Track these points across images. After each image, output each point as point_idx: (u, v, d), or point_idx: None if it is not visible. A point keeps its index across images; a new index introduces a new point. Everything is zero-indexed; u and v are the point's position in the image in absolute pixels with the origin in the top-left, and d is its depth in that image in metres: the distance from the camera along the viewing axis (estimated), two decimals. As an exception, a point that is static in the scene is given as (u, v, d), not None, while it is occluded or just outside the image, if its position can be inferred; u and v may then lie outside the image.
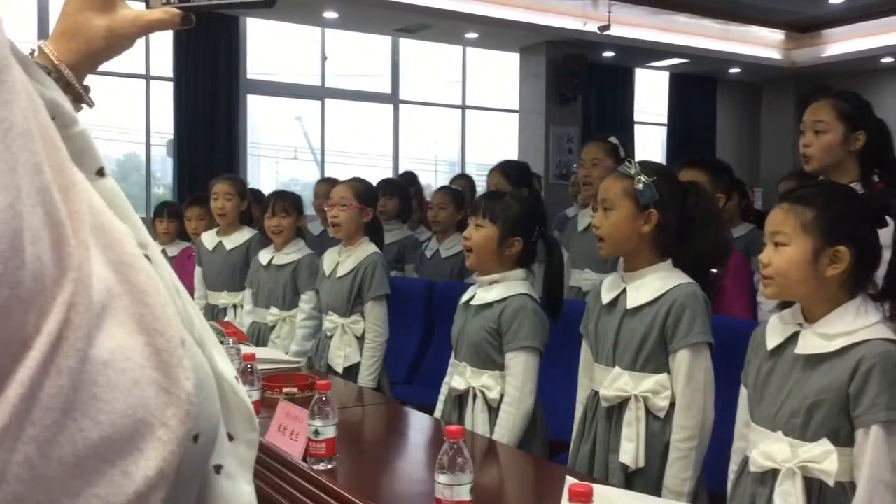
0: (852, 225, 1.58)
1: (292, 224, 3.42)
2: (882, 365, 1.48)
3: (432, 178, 9.35)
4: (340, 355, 3.03)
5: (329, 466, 1.75)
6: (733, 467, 1.78)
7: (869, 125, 2.45)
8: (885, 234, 1.63)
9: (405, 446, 2.25)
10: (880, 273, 1.63)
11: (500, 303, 2.26)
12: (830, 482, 1.52)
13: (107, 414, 0.39)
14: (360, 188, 3.14)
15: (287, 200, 3.41)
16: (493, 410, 2.24)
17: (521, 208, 2.34)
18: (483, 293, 2.32)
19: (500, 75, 9.25)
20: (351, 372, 3.03)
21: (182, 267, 3.95)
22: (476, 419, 2.25)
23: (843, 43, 9.10)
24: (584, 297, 3.00)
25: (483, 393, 2.24)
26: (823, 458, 1.52)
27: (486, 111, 9.36)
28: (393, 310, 3.17)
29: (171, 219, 4.41)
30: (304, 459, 1.78)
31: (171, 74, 7.48)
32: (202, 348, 0.52)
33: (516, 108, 9.00)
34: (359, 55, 8.66)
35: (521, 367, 2.20)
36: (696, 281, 1.97)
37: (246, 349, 2.64)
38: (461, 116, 9.22)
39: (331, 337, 3.08)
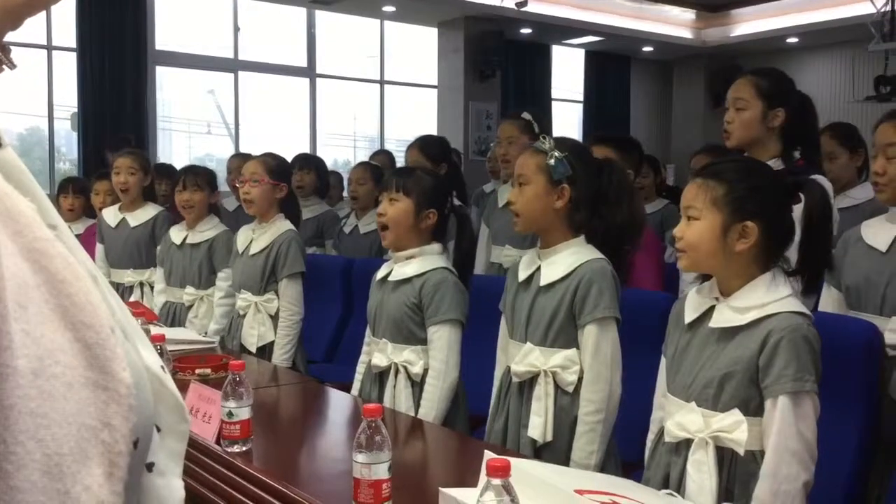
0: (762, 201, 1.61)
1: (204, 200, 3.32)
2: (790, 337, 1.52)
3: (351, 154, 9.25)
4: (254, 334, 2.98)
5: (244, 448, 1.72)
6: (651, 436, 1.81)
7: (789, 102, 2.48)
8: (799, 211, 1.67)
9: (323, 426, 2.21)
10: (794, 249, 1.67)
11: (419, 277, 2.25)
12: (741, 451, 1.56)
13: (46, 429, 0.35)
14: (272, 163, 3.07)
15: (199, 175, 3.32)
16: (416, 385, 2.23)
17: (434, 181, 2.35)
18: (401, 268, 2.30)
19: (418, 50, 9.18)
20: (265, 351, 2.98)
21: (89, 245, 3.80)
22: (399, 395, 2.24)
23: (751, 23, 9.37)
24: (504, 273, 3.01)
25: (406, 368, 2.23)
26: (734, 427, 1.56)
27: (405, 86, 9.28)
28: (311, 287, 3.12)
29: (77, 195, 4.25)
30: (218, 442, 1.74)
31: (73, 45, 7.14)
32: (126, 338, 0.48)
33: (435, 83, 8.95)
34: (273, 27, 8.44)
35: (444, 341, 2.20)
36: (611, 256, 2.00)
37: (156, 329, 2.55)
38: (380, 91, 9.12)
39: (244, 316, 3.03)
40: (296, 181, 4.18)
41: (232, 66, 8.17)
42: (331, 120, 8.87)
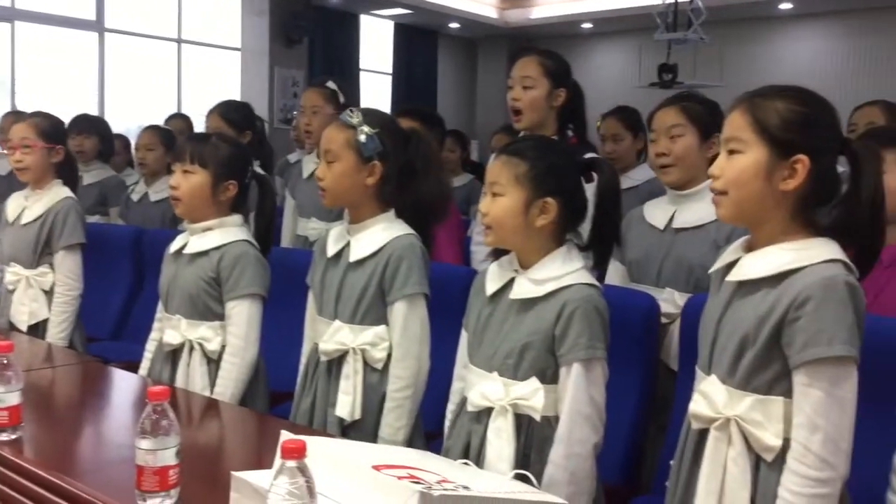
0: (561, 178, 1.67)
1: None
2: (583, 308, 1.59)
3: (144, 118, 8.67)
4: (25, 311, 2.73)
5: (13, 437, 1.59)
6: (451, 407, 1.84)
7: (568, 84, 2.62)
8: (591, 189, 1.73)
9: (105, 410, 2.04)
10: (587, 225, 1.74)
11: (217, 250, 2.14)
12: (537, 417, 1.61)
13: None
14: (45, 125, 2.79)
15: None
16: (212, 363, 2.13)
17: (232, 150, 2.21)
18: (197, 241, 2.17)
19: (220, 9, 8.74)
20: (38, 329, 2.74)
21: None
22: (193, 374, 2.12)
23: (549, 6, 9.76)
24: (310, 246, 2.94)
25: (201, 345, 2.12)
26: (532, 395, 1.61)
27: (205, 47, 8.81)
28: (94, 259, 2.89)
29: None
30: (-18, 432, 1.56)
31: None
32: None
33: (238, 46, 8.58)
34: (55, -26, 7.71)
35: (244, 316, 2.11)
36: (420, 229, 1.99)
37: None
38: (177, 51, 8.60)
39: (13, 291, 2.76)
40: (75, 145, 3.86)
41: (7, 14, 7.37)
42: (122, 80, 8.25)
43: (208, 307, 2.14)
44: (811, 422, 1.30)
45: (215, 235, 2.16)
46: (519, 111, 2.60)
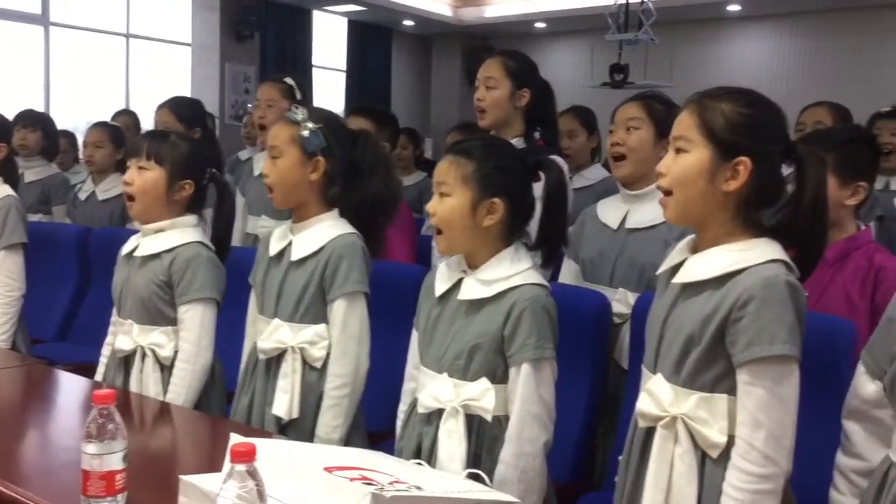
0: (508, 178, 1.68)
1: None
2: (532, 308, 1.61)
3: (92, 115, 8.48)
4: (-36, 314, 2.64)
5: None
6: (403, 407, 1.84)
7: (534, 84, 2.63)
8: (538, 189, 1.75)
9: (50, 413, 2.00)
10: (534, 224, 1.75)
11: (169, 252, 2.09)
12: (488, 417, 1.62)
13: None
14: None
15: None
16: (166, 370, 2.08)
17: (191, 148, 2.17)
18: (149, 242, 2.12)
19: (169, 4, 8.59)
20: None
21: None
22: (146, 380, 2.07)
23: (503, 5, 9.79)
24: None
25: (154, 352, 2.07)
26: (482, 395, 1.62)
27: (155, 42, 8.65)
28: (39, 259, 2.83)
29: None
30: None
31: None
32: None
33: (188, 41, 8.45)
34: (-2, -34, 7.49)
35: (197, 321, 2.06)
36: (365, 229, 1.99)
37: None
38: (125, 46, 8.43)
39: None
40: (19, 138, 3.76)
41: (-55, 5, 7.16)
42: (69, 75, 8.06)
43: (161, 312, 2.09)
44: (754, 419, 1.33)
45: (167, 237, 2.11)
46: (483, 111, 2.63)
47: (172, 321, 2.09)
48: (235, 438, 1.21)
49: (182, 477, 1.29)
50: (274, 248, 2.02)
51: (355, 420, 1.98)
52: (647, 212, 2.20)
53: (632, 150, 2.23)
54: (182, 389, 2.05)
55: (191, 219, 2.16)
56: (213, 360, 2.11)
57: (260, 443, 1.13)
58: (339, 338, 1.93)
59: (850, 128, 2.24)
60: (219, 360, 2.15)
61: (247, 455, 1.07)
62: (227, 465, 1.09)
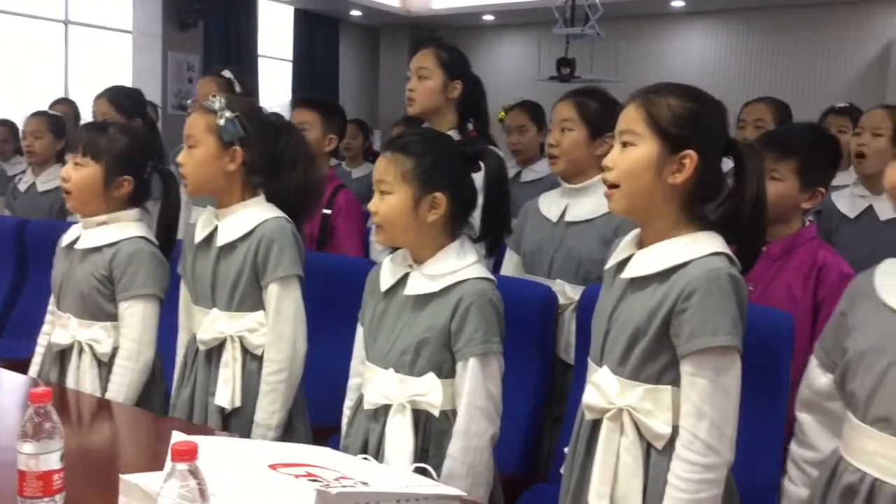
0: (448, 172, 1.67)
1: None
2: (478, 302, 1.61)
3: (30, 104, 8.22)
4: None
5: None
6: (349, 403, 1.82)
7: (465, 77, 2.66)
8: (478, 179, 1.75)
9: (-17, 412, 1.94)
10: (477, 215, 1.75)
11: (110, 247, 2.04)
12: (436, 412, 1.62)
13: None
14: None
15: None
16: (103, 366, 2.03)
17: (130, 142, 2.11)
18: (91, 235, 2.07)
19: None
20: None
21: None
22: (83, 376, 2.02)
23: (451, -4, 9.79)
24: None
25: (92, 347, 2.02)
26: (429, 390, 1.62)
27: (95, 29, 8.43)
28: (-28, 252, 2.72)
29: None
30: None
31: None
32: None
33: (129, 28, 8.25)
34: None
35: (138, 317, 2.02)
36: (292, 217, 1.97)
37: None
38: (64, 32, 8.19)
39: None
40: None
41: None
42: (6, 63, 7.80)
43: (100, 307, 2.04)
44: (697, 409, 1.36)
45: (109, 231, 2.06)
46: (412, 99, 2.64)
47: (112, 316, 2.05)
48: (177, 436, 1.19)
49: (122, 476, 1.26)
50: (199, 235, 1.99)
51: (297, 406, 1.96)
52: (585, 206, 2.23)
53: (564, 152, 2.28)
54: (123, 387, 2.01)
55: (133, 213, 2.11)
56: (154, 357, 2.07)
57: (202, 441, 1.11)
58: (274, 323, 1.91)
59: (814, 129, 2.28)
60: (159, 357, 2.11)
61: (188, 453, 1.05)
62: (168, 463, 1.07)
